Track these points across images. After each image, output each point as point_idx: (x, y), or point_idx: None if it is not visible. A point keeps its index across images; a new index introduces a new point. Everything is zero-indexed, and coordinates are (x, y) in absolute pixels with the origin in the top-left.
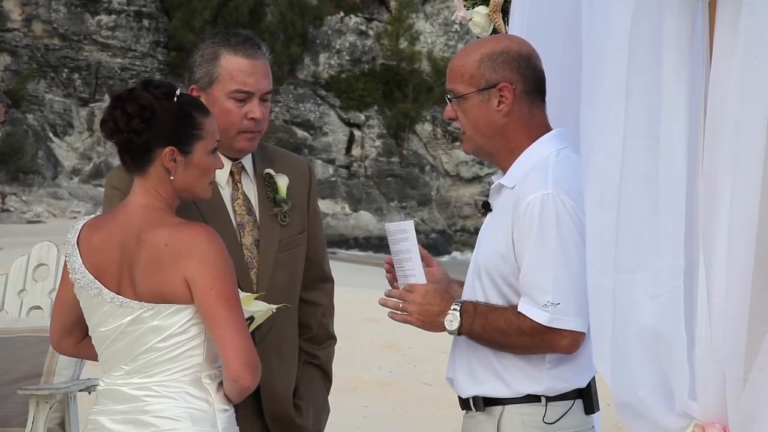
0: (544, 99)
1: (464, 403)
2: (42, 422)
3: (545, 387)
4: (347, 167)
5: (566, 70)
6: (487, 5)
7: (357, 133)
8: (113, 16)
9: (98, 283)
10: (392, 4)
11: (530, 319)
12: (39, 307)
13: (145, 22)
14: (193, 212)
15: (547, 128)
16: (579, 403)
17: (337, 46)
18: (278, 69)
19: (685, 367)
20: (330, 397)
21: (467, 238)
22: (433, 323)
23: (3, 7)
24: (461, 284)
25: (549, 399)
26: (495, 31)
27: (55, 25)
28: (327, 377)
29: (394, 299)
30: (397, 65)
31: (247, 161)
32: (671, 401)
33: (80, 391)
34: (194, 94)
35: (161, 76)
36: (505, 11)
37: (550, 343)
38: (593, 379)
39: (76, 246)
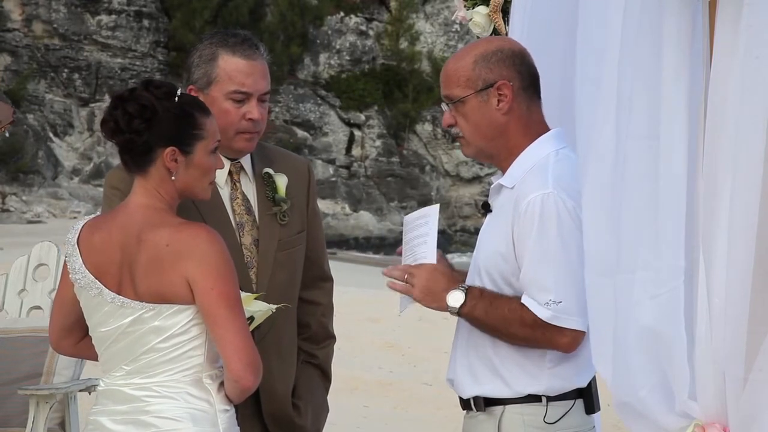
0: (539, 96)
1: (465, 404)
2: (42, 422)
3: (546, 386)
4: (347, 167)
5: (566, 70)
6: (488, 5)
7: (357, 133)
8: (113, 16)
9: (99, 283)
10: (392, 4)
11: (533, 313)
12: (39, 307)
13: (145, 22)
14: (192, 212)
15: (545, 127)
16: (580, 402)
17: (337, 46)
18: (278, 69)
19: (685, 367)
20: (330, 397)
21: (467, 238)
22: (435, 299)
23: (3, 7)
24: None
25: (550, 399)
26: (495, 31)
27: (55, 25)
28: (326, 377)
29: (399, 272)
30: (397, 65)
31: (245, 161)
32: (671, 401)
33: (80, 391)
34: (192, 94)
35: (161, 76)
36: (505, 11)
37: (551, 339)
38: (594, 378)
39: (76, 246)
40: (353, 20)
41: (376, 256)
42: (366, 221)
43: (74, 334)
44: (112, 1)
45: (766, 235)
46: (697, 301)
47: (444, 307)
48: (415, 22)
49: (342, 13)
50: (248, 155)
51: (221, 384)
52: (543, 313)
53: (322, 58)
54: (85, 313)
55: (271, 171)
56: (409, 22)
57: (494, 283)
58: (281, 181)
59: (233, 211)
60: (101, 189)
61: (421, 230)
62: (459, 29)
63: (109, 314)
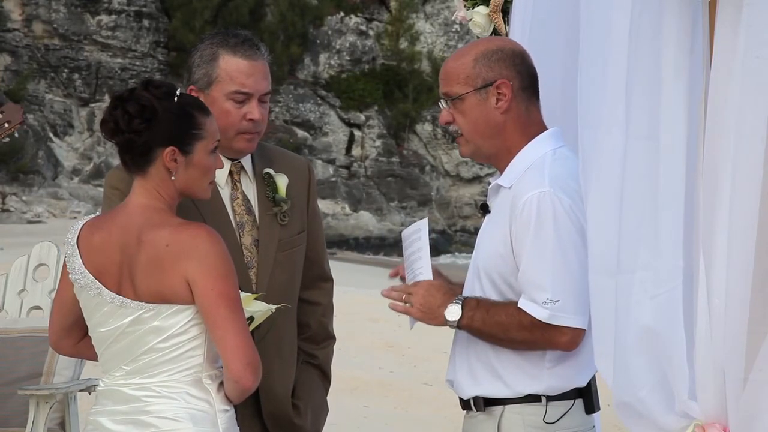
0: (538, 97)
1: (465, 404)
2: (42, 422)
3: (545, 386)
4: (347, 167)
5: (567, 70)
6: (488, 5)
7: (357, 133)
8: (113, 16)
9: (98, 283)
10: (392, 4)
11: (530, 315)
12: (39, 307)
13: (145, 22)
14: (193, 212)
15: (543, 127)
16: (579, 402)
17: (338, 47)
18: (278, 69)
19: (685, 367)
20: (330, 397)
21: (467, 239)
22: (434, 315)
23: (3, 7)
24: (462, 288)
25: (549, 399)
26: (495, 31)
27: (55, 25)
28: (326, 377)
29: (397, 292)
30: (397, 65)
31: (246, 161)
32: (671, 401)
33: (80, 391)
34: (193, 95)
35: (161, 76)
36: (505, 11)
37: (550, 339)
38: (593, 378)
39: (75, 246)
40: (353, 20)
41: (376, 257)
42: (366, 221)
43: (74, 334)
44: (112, 1)
45: (766, 235)
46: (697, 301)
47: (443, 323)
48: (415, 22)
49: (342, 13)
50: (249, 155)
51: (221, 384)
52: (540, 314)
53: (322, 58)
54: (84, 313)
55: (271, 171)
56: (409, 22)
57: (494, 284)
58: (282, 182)
59: (233, 211)
60: (101, 189)
61: (416, 245)
62: (459, 29)
63: (108, 314)
